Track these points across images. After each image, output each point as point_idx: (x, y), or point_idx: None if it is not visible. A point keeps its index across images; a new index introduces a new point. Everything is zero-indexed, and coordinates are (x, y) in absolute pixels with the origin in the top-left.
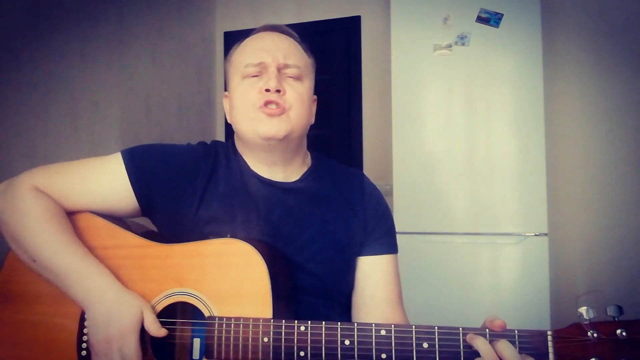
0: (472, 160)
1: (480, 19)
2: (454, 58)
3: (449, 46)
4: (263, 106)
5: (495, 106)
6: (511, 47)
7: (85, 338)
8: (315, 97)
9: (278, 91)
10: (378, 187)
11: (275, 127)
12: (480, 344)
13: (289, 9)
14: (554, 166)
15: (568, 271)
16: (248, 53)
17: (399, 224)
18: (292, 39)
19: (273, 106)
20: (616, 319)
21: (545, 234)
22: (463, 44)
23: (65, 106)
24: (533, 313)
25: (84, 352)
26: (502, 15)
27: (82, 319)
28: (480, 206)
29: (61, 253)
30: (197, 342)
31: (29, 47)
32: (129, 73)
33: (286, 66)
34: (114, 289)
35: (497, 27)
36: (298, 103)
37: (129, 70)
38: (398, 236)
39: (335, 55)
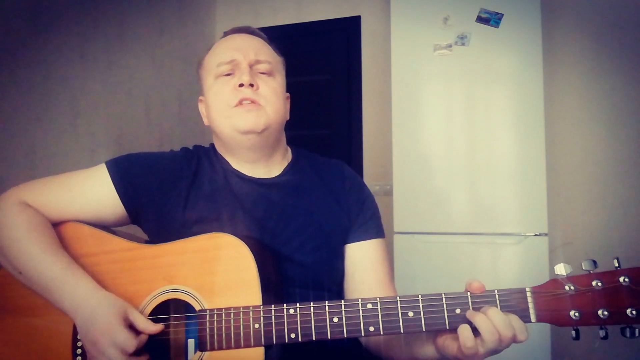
0: (472, 160)
1: (480, 19)
2: (454, 58)
3: (449, 46)
4: (238, 104)
5: (495, 106)
6: (511, 47)
7: (79, 344)
8: (289, 94)
9: (251, 85)
10: (378, 187)
11: (254, 121)
12: (480, 320)
13: (289, 9)
14: (554, 166)
15: None
16: (219, 53)
17: (399, 224)
18: (261, 39)
19: (247, 102)
20: (591, 272)
21: (545, 234)
22: (463, 44)
23: (65, 106)
24: None
25: (79, 359)
26: (502, 15)
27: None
28: (480, 206)
29: (44, 263)
30: (191, 342)
31: (29, 47)
32: (129, 73)
33: (257, 62)
34: (98, 294)
35: (497, 27)
36: (273, 97)
37: (129, 70)
38: (398, 236)
39: (335, 55)
